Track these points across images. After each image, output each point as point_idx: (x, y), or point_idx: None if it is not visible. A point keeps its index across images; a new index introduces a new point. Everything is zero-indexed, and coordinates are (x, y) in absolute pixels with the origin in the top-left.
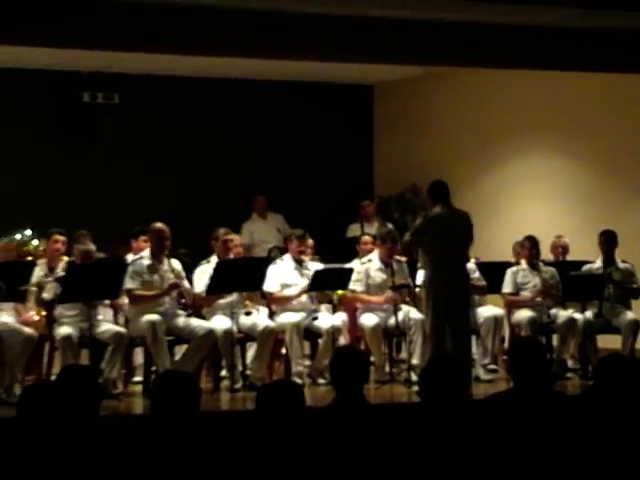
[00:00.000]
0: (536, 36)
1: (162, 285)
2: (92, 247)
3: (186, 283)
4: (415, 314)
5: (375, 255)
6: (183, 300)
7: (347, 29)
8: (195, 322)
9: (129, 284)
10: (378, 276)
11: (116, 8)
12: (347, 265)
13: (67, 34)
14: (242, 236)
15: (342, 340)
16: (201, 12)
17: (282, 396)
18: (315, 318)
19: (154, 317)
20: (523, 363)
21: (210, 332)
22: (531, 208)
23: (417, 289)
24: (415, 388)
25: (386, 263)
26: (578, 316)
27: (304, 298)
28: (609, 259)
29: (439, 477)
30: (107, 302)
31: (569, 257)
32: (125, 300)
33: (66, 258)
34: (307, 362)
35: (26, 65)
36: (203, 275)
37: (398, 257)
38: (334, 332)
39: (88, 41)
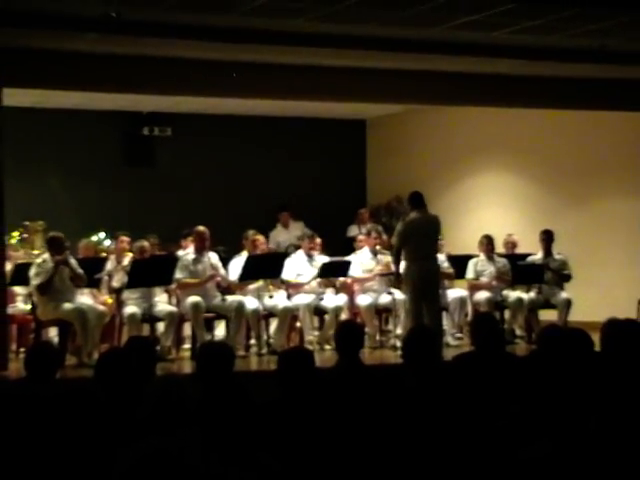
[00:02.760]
0: (493, 80)
1: (204, 274)
2: (146, 244)
3: (222, 272)
4: (399, 295)
5: (366, 248)
6: (219, 281)
7: (350, 77)
8: (228, 300)
9: (178, 274)
10: (368, 263)
11: (167, 63)
12: (347, 258)
13: (132, 83)
14: (269, 243)
15: (343, 316)
16: (239, 65)
17: (297, 359)
18: (322, 299)
19: (196, 299)
20: (481, 331)
21: (240, 305)
22: (488, 213)
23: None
24: (399, 352)
25: (374, 252)
26: (524, 296)
27: (314, 284)
28: (548, 252)
29: (418, 420)
30: (162, 287)
31: (517, 250)
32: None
33: (130, 254)
34: (316, 333)
35: (101, 107)
36: (236, 266)
37: (383, 250)
38: (337, 310)
39: (148, 88)
